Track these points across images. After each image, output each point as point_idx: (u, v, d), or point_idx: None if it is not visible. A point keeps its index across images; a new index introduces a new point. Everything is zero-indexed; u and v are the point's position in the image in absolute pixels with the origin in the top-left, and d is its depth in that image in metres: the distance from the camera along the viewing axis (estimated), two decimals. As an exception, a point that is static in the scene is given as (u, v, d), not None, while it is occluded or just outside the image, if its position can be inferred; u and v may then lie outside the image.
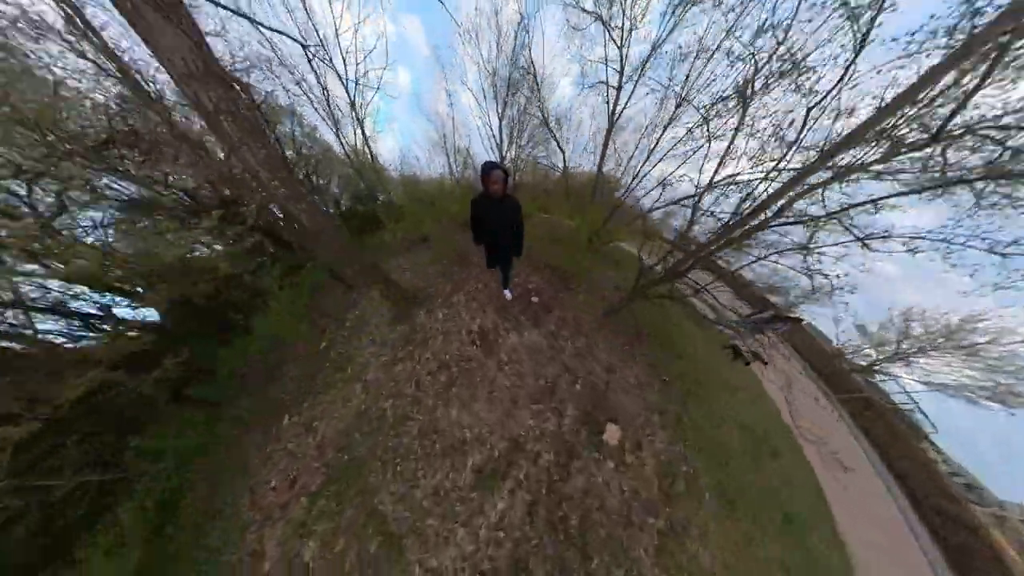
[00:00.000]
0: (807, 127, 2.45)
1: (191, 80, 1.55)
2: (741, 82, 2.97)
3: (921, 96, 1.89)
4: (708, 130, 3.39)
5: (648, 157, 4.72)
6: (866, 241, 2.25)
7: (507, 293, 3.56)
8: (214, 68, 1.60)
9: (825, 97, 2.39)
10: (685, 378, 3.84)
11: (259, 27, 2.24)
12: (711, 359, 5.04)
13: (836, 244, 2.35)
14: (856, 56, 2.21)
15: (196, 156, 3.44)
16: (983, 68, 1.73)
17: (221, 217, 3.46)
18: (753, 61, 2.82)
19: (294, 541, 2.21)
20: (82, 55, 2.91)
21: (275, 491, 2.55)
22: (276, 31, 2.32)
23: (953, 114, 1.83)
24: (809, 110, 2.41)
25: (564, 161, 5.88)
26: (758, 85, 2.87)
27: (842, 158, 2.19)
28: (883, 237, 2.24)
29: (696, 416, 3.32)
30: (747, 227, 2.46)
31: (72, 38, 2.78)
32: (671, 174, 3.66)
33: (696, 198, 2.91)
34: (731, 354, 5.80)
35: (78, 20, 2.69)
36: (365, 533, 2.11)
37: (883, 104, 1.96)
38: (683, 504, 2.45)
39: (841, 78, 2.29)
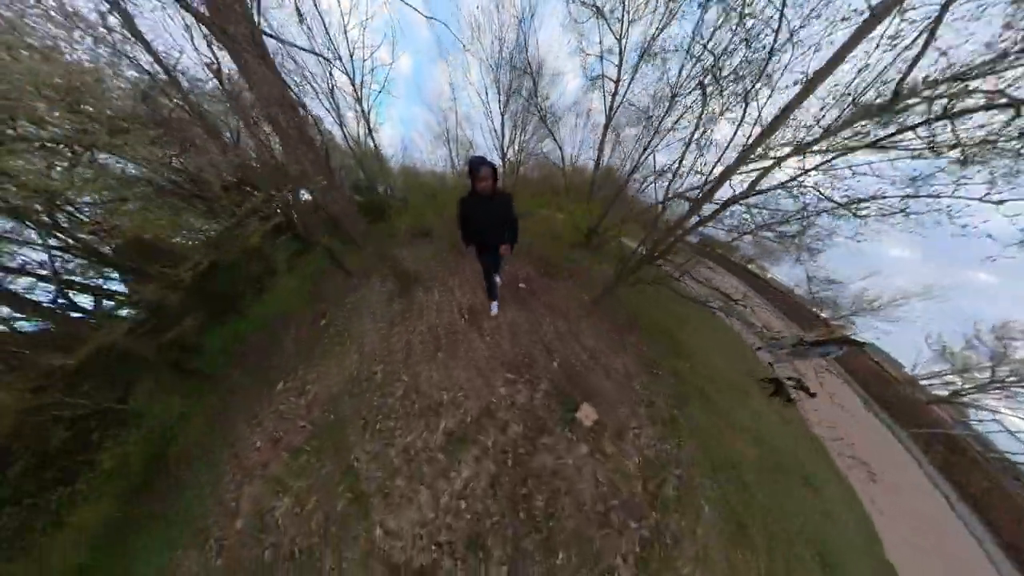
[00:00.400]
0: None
1: (273, 105, 2.06)
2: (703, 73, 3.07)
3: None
4: (703, 115, 3.41)
5: (645, 150, 4.77)
6: (851, 207, 2.28)
7: (494, 307, 3.23)
8: (288, 96, 2.12)
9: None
10: (687, 378, 3.68)
11: (286, 44, 2.48)
12: (730, 368, 4.75)
13: (821, 212, 2.39)
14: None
15: (221, 144, 3.79)
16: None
17: (239, 200, 3.75)
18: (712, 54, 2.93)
19: (270, 498, 2.31)
20: (112, 46, 3.21)
21: (259, 451, 2.68)
22: (305, 49, 2.62)
23: (904, 76, 1.88)
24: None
25: (563, 158, 5.97)
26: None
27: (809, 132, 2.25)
28: (869, 199, 2.26)
29: (699, 420, 3.12)
30: (716, 203, 2.53)
31: (104, 30, 3.09)
32: (670, 166, 3.72)
33: (669, 182, 2.98)
34: (770, 388, 4.95)
35: (119, 17, 3.02)
36: (336, 491, 2.19)
37: (808, 78, 2.01)
38: (675, 513, 2.17)
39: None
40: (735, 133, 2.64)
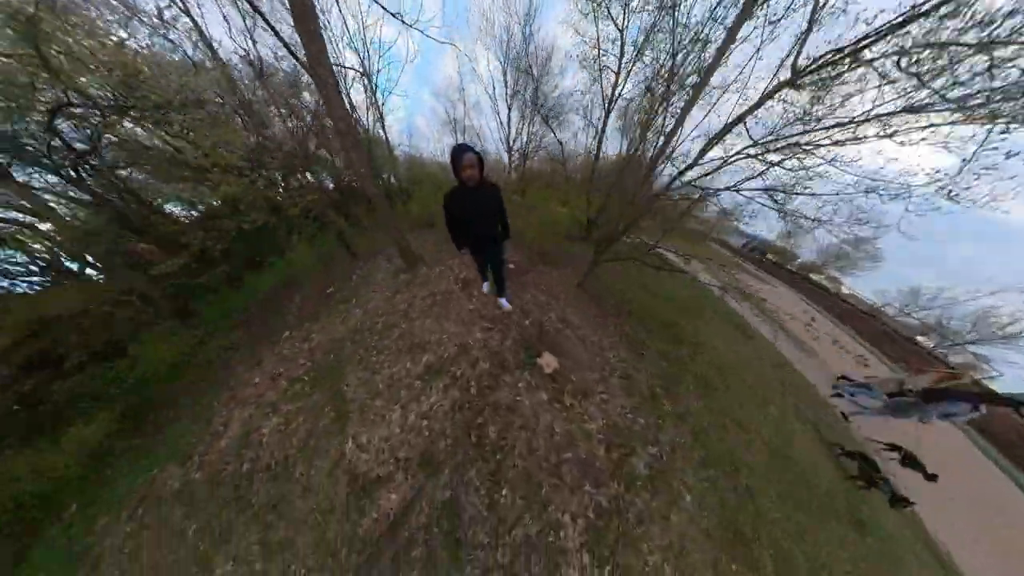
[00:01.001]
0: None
1: (339, 120, 2.85)
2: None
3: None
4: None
5: (642, 137, 4.91)
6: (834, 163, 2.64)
7: (503, 302, 3.09)
8: (347, 113, 3.05)
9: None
10: (684, 364, 3.63)
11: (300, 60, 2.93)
12: (746, 366, 4.30)
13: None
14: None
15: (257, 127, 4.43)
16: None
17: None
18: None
19: (259, 420, 2.60)
20: (166, 37, 3.82)
21: (255, 386, 2.99)
22: (344, 66, 3.16)
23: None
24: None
25: (563, 152, 6.26)
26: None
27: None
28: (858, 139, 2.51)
29: (693, 407, 2.98)
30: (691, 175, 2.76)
31: (158, 21, 3.69)
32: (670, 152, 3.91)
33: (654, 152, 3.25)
34: (851, 467, 3.56)
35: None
36: (323, 412, 2.46)
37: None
38: (644, 492, 2.05)
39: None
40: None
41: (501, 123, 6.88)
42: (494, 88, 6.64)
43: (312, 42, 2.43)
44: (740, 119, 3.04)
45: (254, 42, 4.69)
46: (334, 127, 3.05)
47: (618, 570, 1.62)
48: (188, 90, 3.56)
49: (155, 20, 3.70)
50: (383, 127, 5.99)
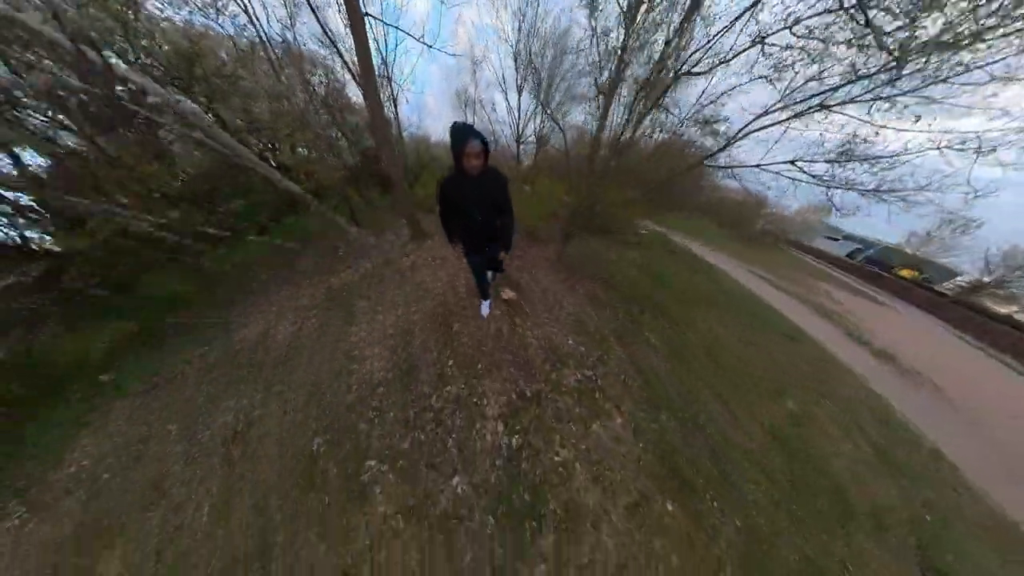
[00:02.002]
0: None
1: (377, 118, 3.78)
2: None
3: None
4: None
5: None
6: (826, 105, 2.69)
7: (484, 307, 3.03)
8: (383, 113, 3.96)
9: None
10: (649, 326, 3.72)
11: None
12: (782, 372, 3.87)
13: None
14: None
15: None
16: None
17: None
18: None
19: (276, 323, 3.40)
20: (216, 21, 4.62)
21: (276, 306, 3.76)
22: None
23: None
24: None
25: (565, 141, 6.72)
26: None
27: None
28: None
29: (653, 362, 3.08)
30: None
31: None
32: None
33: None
34: None
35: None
36: (334, 319, 3.32)
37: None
38: (567, 396, 2.32)
39: None
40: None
41: (511, 107, 7.37)
42: (503, 77, 7.17)
43: (367, 71, 3.43)
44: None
45: (293, 33, 5.46)
46: (372, 126, 4.13)
47: (527, 448, 2.00)
48: (241, 70, 4.34)
49: (206, 3, 4.49)
50: (395, 108, 6.66)
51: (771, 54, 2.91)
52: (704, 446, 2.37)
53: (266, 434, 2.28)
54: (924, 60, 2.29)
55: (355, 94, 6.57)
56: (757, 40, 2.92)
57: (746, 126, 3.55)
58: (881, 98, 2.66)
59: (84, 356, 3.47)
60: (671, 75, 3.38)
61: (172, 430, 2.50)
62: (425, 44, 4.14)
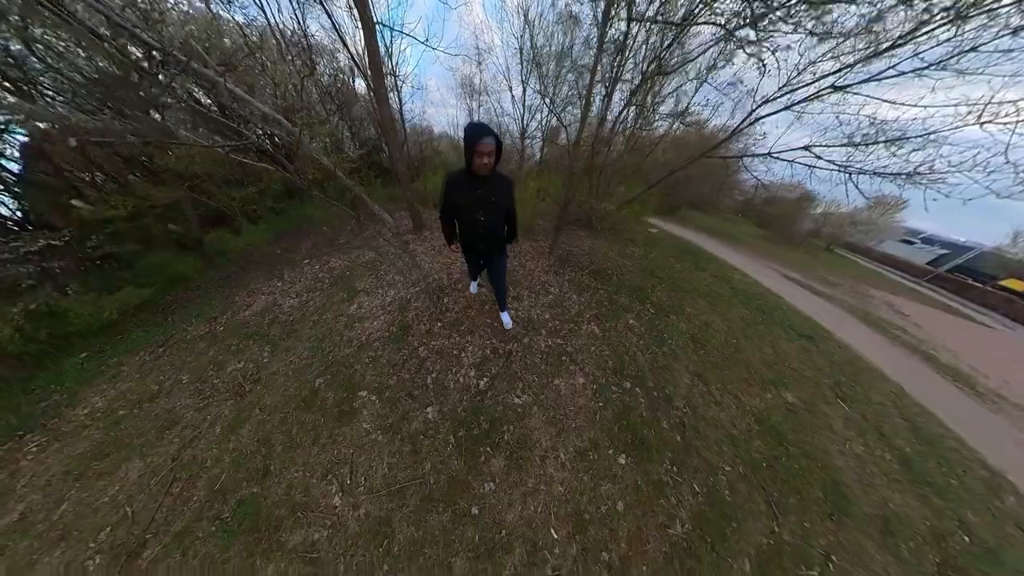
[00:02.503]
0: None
1: (386, 120, 4.37)
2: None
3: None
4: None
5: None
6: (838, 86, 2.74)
7: (505, 317, 3.08)
8: (391, 113, 4.56)
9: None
10: (629, 307, 4.02)
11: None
12: (784, 366, 3.73)
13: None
14: None
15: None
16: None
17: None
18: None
19: (280, 299, 3.92)
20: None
21: (279, 284, 4.26)
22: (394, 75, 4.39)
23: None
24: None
25: (567, 138, 7.26)
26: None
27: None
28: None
29: (624, 338, 3.35)
30: None
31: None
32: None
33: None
34: None
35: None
36: (337, 296, 3.86)
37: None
38: (536, 358, 2.78)
39: None
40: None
41: (515, 101, 7.89)
42: (508, 69, 7.74)
43: (377, 75, 4.08)
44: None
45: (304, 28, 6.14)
46: (380, 123, 4.67)
47: (492, 389, 2.50)
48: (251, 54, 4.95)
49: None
50: (399, 101, 7.26)
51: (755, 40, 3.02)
52: (670, 417, 2.53)
53: (274, 375, 2.75)
54: (956, 26, 2.23)
55: (358, 83, 7.26)
56: (722, 35, 3.22)
57: (750, 114, 3.65)
58: (904, 74, 2.64)
59: (97, 318, 3.98)
60: (639, 76, 3.89)
61: (184, 379, 2.96)
62: (431, 47, 4.75)
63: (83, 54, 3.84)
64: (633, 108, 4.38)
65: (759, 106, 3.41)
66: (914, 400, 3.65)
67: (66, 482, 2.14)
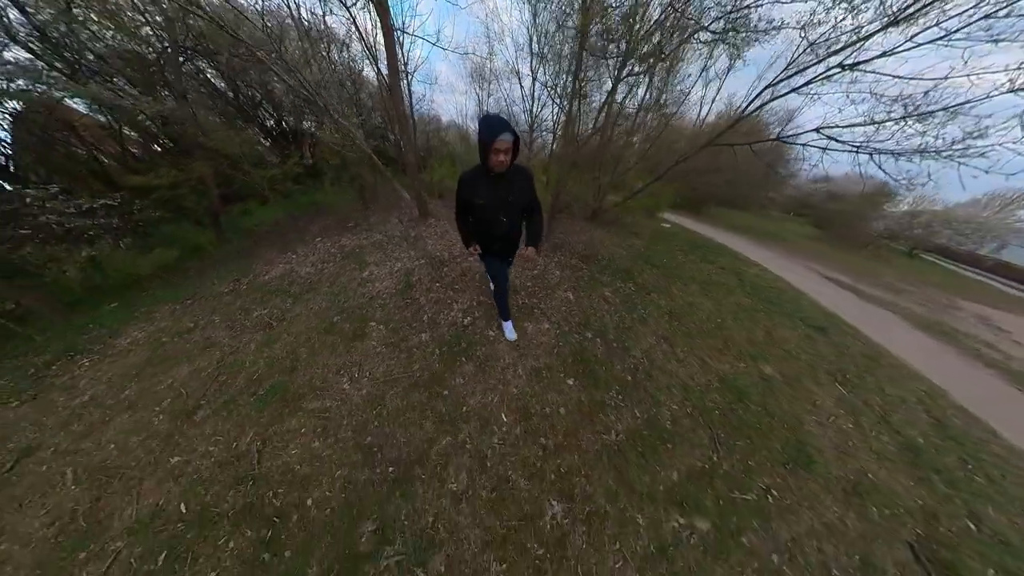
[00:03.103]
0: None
1: (401, 115, 5.24)
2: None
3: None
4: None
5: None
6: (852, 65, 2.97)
7: (508, 328, 3.05)
8: (405, 109, 5.50)
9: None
10: (605, 283, 4.52)
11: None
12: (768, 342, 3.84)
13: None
14: None
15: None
16: None
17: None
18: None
19: (297, 266, 4.68)
20: None
21: (294, 256, 5.07)
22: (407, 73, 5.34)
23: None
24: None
25: (576, 131, 8.01)
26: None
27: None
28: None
29: (598, 307, 3.83)
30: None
31: None
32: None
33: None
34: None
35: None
36: (349, 266, 4.59)
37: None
38: (519, 318, 3.26)
39: None
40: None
41: (525, 95, 8.51)
42: (516, 58, 8.54)
43: (394, 74, 4.86)
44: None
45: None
46: (396, 116, 5.46)
47: (473, 324, 3.26)
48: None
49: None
50: (408, 91, 8.18)
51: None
52: (624, 362, 2.95)
53: (297, 316, 3.50)
54: None
55: (369, 71, 8.28)
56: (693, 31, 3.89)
57: (754, 99, 4.07)
58: (920, 45, 2.78)
59: (133, 272, 4.85)
60: (612, 80, 4.72)
61: (216, 319, 3.70)
62: (441, 47, 5.67)
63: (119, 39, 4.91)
64: (636, 97, 5.18)
65: (765, 88, 3.79)
66: (953, 402, 3.39)
67: (126, 379, 2.88)
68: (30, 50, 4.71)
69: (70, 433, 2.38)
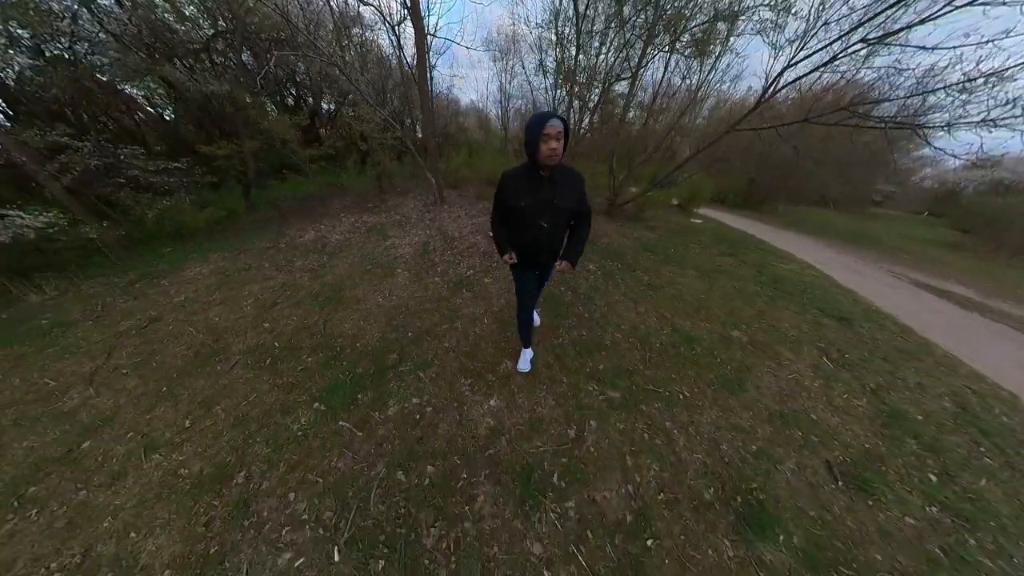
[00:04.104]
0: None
1: (426, 106, 6.93)
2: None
3: None
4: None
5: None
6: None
7: (525, 357, 2.97)
8: (430, 103, 7.16)
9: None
10: (608, 269, 4.76)
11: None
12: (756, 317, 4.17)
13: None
14: None
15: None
16: None
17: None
18: None
19: (327, 233, 6.26)
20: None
21: (322, 225, 6.66)
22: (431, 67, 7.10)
23: None
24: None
25: (591, 117, 9.48)
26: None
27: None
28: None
29: (582, 277, 4.24)
30: None
31: None
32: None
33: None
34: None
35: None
36: (374, 238, 6.10)
37: None
38: (489, 278, 5.64)
39: None
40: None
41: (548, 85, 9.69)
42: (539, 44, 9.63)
43: (423, 75, 6.52)
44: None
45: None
46: (422, 109, 7.01)
47: (474, 275, 4.60)
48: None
49: None
50: (430, 77, 9.81)
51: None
52: (586, 306, 4.00)
53: (335, 265, 4.95)
54: None
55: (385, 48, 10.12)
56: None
57: (772, 83, 4.47)
58: (942, 13, 3.19)
59: (192, 224, 6.48)
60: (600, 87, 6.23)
61: (266, 265, 5.14)
62: (467, 47, 7.37)
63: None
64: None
65: (783, 71, 4.27)
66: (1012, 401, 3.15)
67: (210, 290, 4.31)
68: (116, 38, 6.53)
69: (182, 311, 3.84)
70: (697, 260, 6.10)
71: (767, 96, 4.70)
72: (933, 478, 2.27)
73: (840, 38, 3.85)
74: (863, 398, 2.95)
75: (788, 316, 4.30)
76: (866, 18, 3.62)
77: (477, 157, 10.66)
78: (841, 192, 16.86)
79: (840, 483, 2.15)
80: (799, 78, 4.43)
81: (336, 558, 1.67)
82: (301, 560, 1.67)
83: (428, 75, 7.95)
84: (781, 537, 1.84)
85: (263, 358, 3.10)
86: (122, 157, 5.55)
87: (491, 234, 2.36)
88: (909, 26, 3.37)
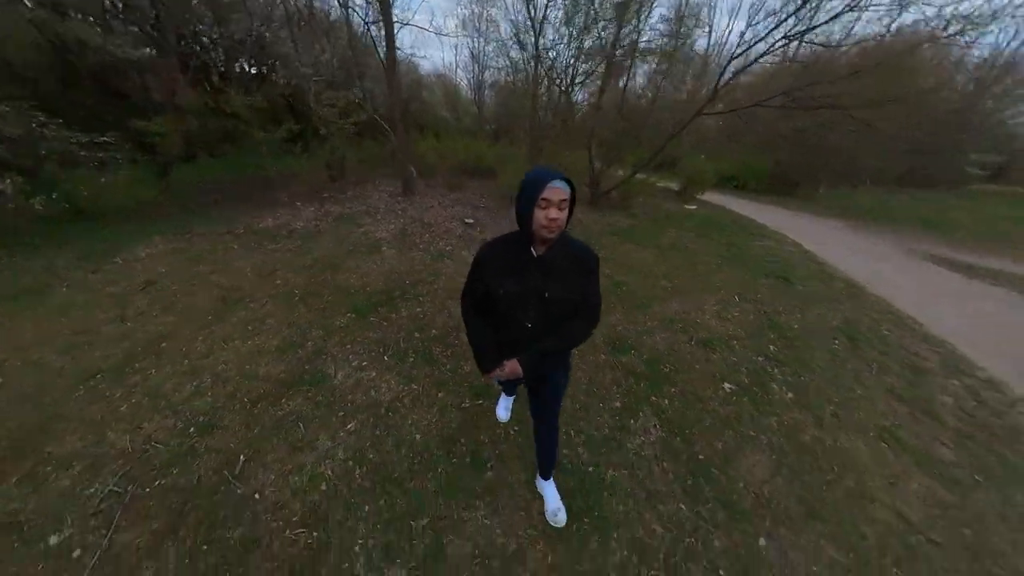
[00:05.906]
0: None
1: (395, 89, 9.21)
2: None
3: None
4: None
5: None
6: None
7: (503, 407, 2.99)
8: (400, 84, 9.45)
9: None
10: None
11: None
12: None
13: None
14: None
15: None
16: None
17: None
18: None
19: (291, 222, 7.42)
20: None
21: (282, 215, 7.77)
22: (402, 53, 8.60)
23: None
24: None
25: (572, 107, 11.02)
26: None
27: None
28: None
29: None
30: None
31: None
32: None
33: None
34: None
35: None
36: (345, 223, 7.38)
37: None
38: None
39: None
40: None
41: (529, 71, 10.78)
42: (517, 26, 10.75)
43: (392, 64, 8.32)
44: None
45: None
46: (388, 89, 8.76)
47: (453, 250, 6.41)
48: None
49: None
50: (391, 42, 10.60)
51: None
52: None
53: (313, 248, 6.18)
54: None
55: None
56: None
57: (721, 73, 7.67)
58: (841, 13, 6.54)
59: (125, 205, 7.38)
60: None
61: (235, 247, 6.18)
62: (439, 34, 9.01)
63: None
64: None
65: (727, 64, 7.69)
66: (906, 323, 4.95)
67: (188, 264, 5.43)
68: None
69: (176, 277, 4.95)
70: (662, 241, 7.83)
71: (721, 84, 7.42)
72: (772, 348, 4.19)
73: (764, 36, 6.66)
74: (752, 316, 4.83)
75: (728, 275, 6.16)
76: (784, 17, 6.53)
77: (446, 141, 11.77)
78: (911, 167, 16.69)
79: (693, 343, 4.18)
80: (746, 66, 7.23)
81: (385, 359, 3.57)
82: (365, 362, 3.51)
83: (393, 34, 8.75)
84: (633, 353, 3.91)
85: (291, 298, 4.44)
86: (34, 126, 6.18)
87: (464, 330, 2.03)
88: (823, 22, 6.54)
